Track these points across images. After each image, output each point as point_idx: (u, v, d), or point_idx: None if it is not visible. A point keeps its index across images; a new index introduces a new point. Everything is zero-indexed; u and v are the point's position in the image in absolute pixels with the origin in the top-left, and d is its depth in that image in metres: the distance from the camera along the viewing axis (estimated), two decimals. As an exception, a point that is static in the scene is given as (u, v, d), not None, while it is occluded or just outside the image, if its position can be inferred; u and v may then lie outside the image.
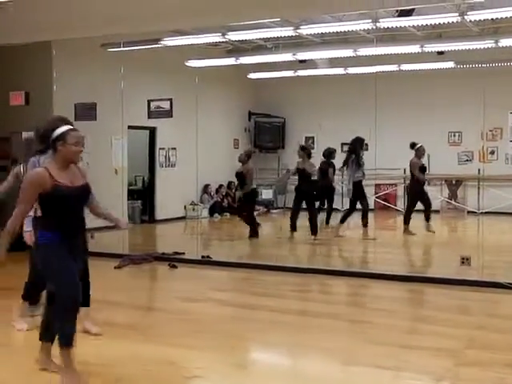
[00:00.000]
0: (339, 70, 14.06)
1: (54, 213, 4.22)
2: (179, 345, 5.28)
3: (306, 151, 11.38)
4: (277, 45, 12.52)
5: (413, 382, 4.54)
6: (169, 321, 6.19)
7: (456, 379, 4.55)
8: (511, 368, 4.66)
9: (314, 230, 11.06)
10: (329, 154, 13.07)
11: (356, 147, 11.26)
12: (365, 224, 11.20)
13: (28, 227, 5.37)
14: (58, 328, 4.30)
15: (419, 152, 11.47)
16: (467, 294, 7.24)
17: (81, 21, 9.14)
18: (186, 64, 12.30)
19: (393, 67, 13.37)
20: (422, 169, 11.56)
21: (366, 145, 11.44)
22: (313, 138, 16.77)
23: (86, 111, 10.29)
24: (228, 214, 14.52)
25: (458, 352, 5.06)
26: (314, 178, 11.51)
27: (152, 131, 13.97)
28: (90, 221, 7.70)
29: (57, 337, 4.31)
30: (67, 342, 4.23)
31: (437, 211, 13.60)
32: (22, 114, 10.81)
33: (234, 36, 10.67)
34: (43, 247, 4.24)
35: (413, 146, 11.59)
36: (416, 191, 11.42)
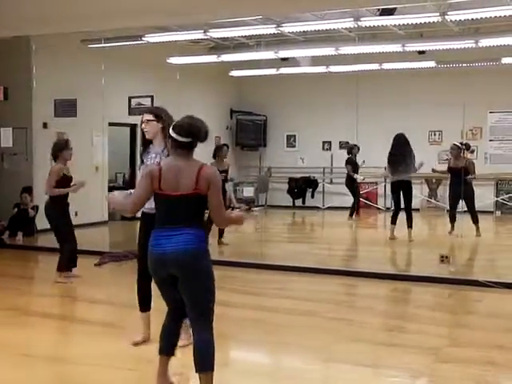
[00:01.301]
0: (321, 69, 14.08)
1: (203, 213, 3.91)
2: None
3: (218, 152, 10.13)
4: (259, 43, 12.51)
5: (391, 379, 4.56)
6: (149, 318, 6.14)
7: (435, 376, 4.58)
8: (491, 365, 4.69)
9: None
10: (349, 149, 13.02)
11: (405, 144, 10.58)
12: (410, 225, 10.67)
13: None
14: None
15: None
16: (446, 291, 7.28)
17: (61, 16, 9.06)
18: (168, 61, 12.23)
19: (374, 66, 13.43)
20: (451, 169, 10.98)
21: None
22: (294, 136, 16.82)
23: (66, 107, 10.23)
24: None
25: (438, 349, 5.08)
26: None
27: (133, 128, 13.87)
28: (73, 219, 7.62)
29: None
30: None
31: (417, 210, 13.68)
32: (0, 110, 10.72)
33: (215, 33, 10.64)
34: (207, 253, 3.83)
35: None
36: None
